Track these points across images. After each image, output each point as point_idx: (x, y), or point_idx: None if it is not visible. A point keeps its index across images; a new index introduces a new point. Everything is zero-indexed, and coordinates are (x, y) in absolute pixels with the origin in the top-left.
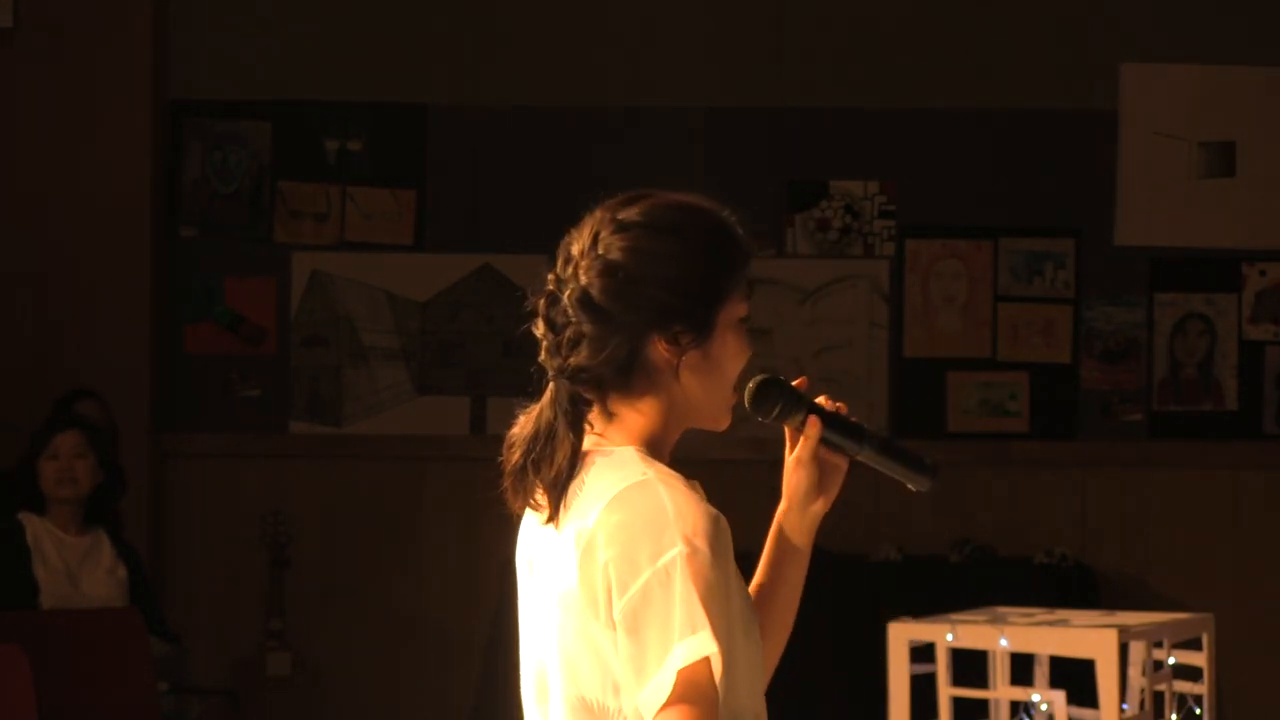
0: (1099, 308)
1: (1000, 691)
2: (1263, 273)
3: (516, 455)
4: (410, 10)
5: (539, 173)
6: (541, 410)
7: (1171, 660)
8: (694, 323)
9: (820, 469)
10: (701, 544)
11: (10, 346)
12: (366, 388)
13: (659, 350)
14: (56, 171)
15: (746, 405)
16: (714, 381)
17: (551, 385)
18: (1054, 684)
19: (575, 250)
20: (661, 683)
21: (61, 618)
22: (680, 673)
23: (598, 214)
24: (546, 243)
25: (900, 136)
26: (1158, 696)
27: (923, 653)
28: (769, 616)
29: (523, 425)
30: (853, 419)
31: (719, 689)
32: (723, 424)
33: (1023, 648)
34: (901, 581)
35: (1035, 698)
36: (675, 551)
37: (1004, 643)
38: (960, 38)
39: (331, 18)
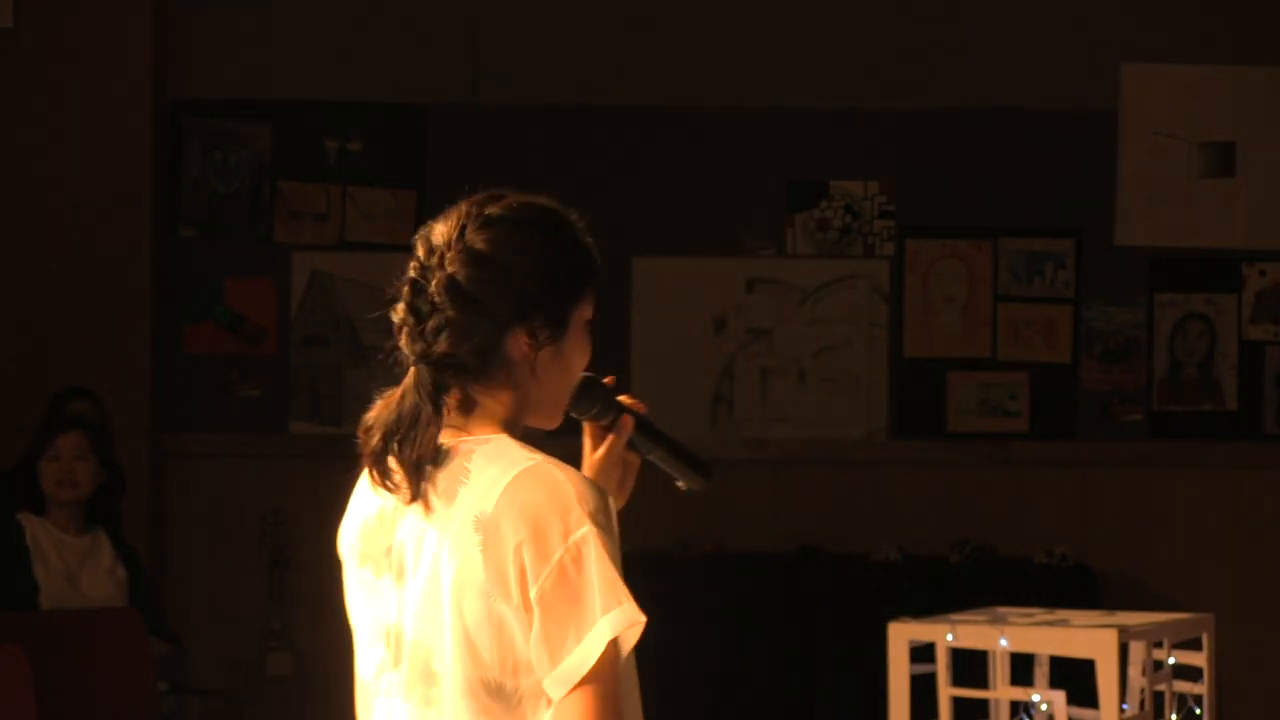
0: (1099, 308)
1: (1000, 691)
2: (1263, 273)
3: (376, 439)
4: (410, 10)
5: (539, 173)
6: (404, 394)
7: (1171, 660)
8: (553, 318)
9: (621, 467)
10: (605, 521)
11: (10, 346)
12: (366, 388)
13: (519, 343)
14: (56, 171)
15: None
16: (562, 378)
17: (413, 371)
18: (1054, 684)
19: (439, 240)
20: (583, 657)
21: (61, 618)
22: (609, 644)
23: (462, 207)
24: None
25: (900, 136)
26: (1158, 696)
27: (923, 653)
28: None
29: (380, 410)
30: (651, 420)
31: (622, 664)
32: (555, 423)
33: (1023, 648)
34: (901, 581)
35: (1035, 698)
36: (585, 530)
37: (1004, 643)
38: (960, 38)
39: (331, 18)
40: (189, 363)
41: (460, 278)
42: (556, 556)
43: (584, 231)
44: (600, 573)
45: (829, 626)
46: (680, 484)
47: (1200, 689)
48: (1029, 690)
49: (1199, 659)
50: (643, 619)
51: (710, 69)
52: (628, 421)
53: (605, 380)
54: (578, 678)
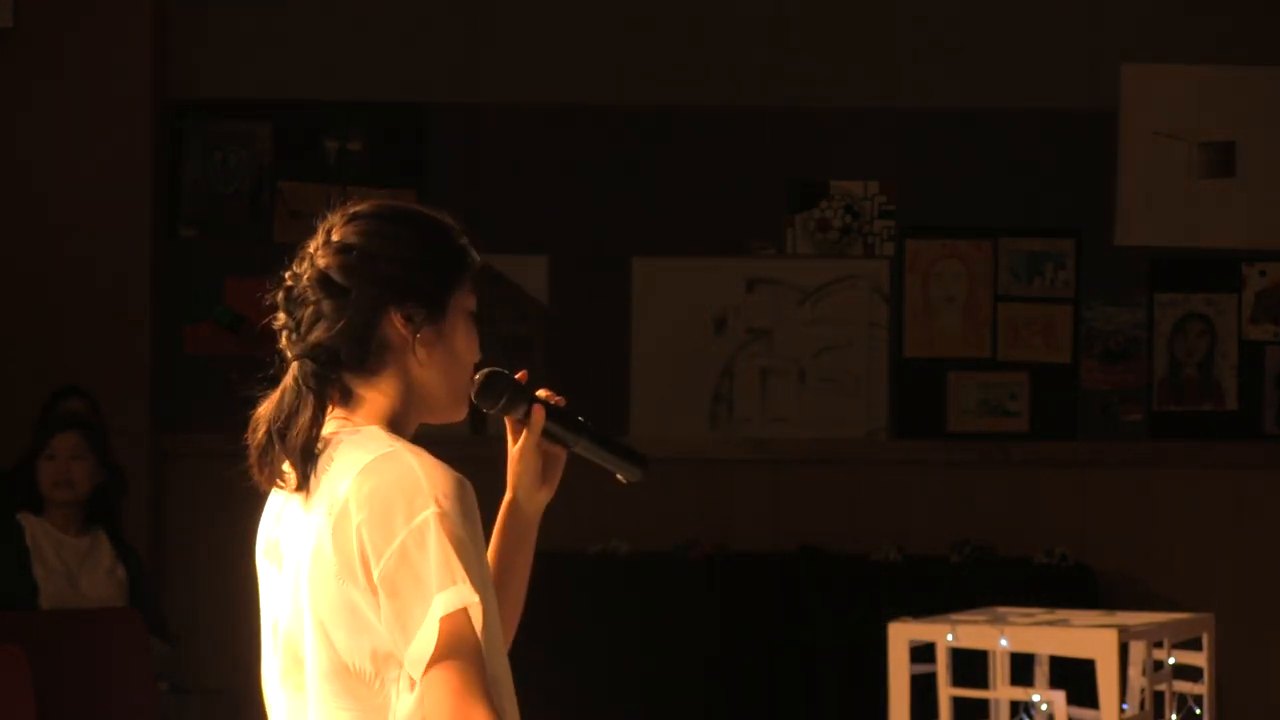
0: (1099, 308)
1: (1000, 691)
2: (1263, 273)
3: (261, 432)
4: (410, 10)
5: (539, 173)
6: (284, 389)
7: (1171, 660)
8: (427, 300)
9: (542, 459)
10: (451, 505)
11: (10, 346)
12: None
13: (395, 326)
14: (56, 171)
15: (473, 397)
16: (449, 365)
17: (293, 366)
18: (1054, 684)
19: (310, 247)
20: (426, 637)
21: (61, 618)
22: (443, 622)
23: (330, 217)
24: (546, 243)
25: (900, 136)
26: (1158, 696)
27: (923, 653)
28: (501, 604)
29: (266, 407)
30: (571, 412)
31: (481, 642)
32: (459, 415)
33: (1023, 648)
34: (901, 581)
35: (1035, 698)
36: (428, 513)
37: (1004, 643)
38: (960, 38)
39: (331, 18)
40: (189, 363)
41: (327, 268)
42: (399, 539)
43: (457, 232)
44: (438, 554)
45: (829, 626)
46: (620, 477)
47: (1200, 689)
48: (1029, 690)
49: (1199, 659)
50: (475, 599)
51: (710, 69)
52: (538, 413)
53: (518, 375)
54: (428, 656)
